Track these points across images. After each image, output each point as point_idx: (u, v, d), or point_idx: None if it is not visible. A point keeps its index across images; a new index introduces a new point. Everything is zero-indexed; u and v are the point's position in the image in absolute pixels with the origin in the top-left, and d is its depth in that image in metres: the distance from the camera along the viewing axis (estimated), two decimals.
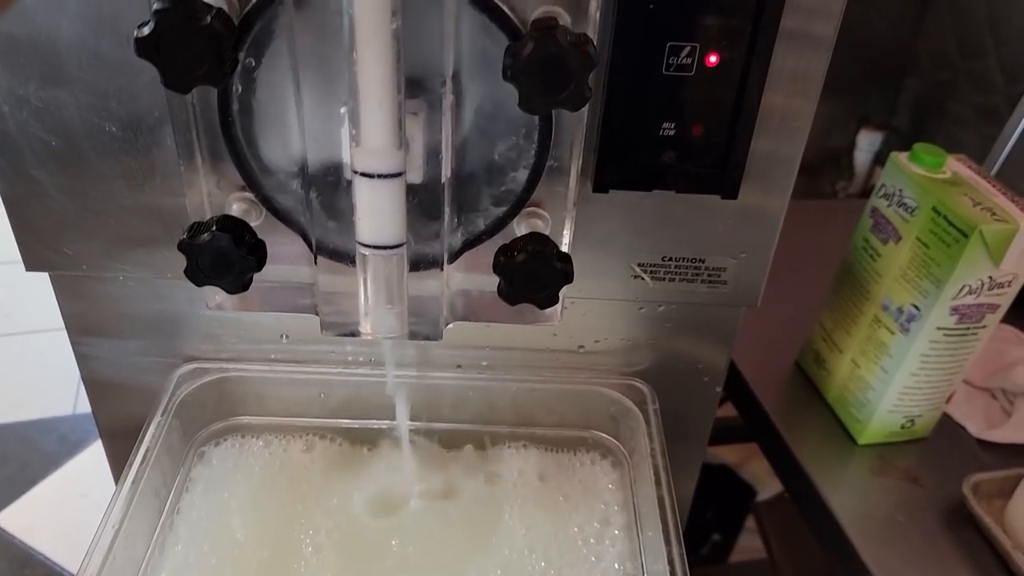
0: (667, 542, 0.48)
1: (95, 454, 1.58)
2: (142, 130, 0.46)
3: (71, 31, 0.43)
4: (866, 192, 1.40)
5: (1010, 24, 1.16)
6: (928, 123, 1.33)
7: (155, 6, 0.36)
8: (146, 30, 0.36)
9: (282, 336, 0.58)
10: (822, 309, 0.74)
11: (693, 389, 0.60)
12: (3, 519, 1.45)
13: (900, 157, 0.66)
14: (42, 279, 0.54)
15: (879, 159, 1.40)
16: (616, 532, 0.55)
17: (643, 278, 0.52)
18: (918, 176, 0.64)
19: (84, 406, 1.68)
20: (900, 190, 0.65)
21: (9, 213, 0.50)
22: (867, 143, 1.39)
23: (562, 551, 0.54)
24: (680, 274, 0.52)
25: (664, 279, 0.52)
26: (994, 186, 0.62)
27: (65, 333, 0.57)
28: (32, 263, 0.52)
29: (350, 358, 0.59)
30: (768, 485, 1.28)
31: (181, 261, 0.46)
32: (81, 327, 0.57)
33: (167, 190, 0.49)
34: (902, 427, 0.69)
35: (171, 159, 0.47)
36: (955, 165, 0.65)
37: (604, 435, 0.61)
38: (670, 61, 0.43)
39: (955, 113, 1.28)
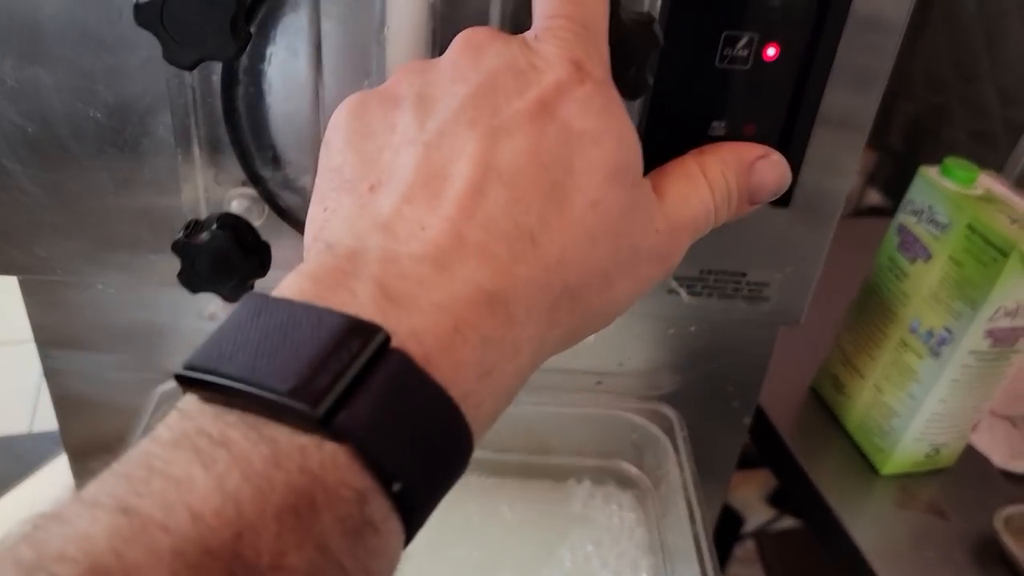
0: None
1: (53, 475, 1.50)
2: (130, 117, 0.41)
3: (55, 3, 0.38)
4: (859, 211, 1.39)
5: (1007, 47, 1.15)
6: (921, 145, 1.32)
7: None
8: None
9: None
10: (840, 332, 0.71)
11: (720, 418, 0.56)
12: None
13: (930, 171, 0.63)
14: None
15: (871, 180, 1.38)
16: (643, 574, 0.50)
17: (678, 292, 0.48)
18: (950, 192, 0.61)
19: (41, 424, 1.60)
20: (930, 206, 0.62)
21: None
22: (860, 163, 1.38)
23: None
24: (719, 289, 0.48)
25: (701, 294, 0.48)
26: None
27: (20, 347, 0.52)
28: None
29: None
30: (756, 512, 1.26)
31: (167, 266, 0.41)
32: (51, 339, 0.51)
33: (156, 187, 0.44)
34: (926, 456, 0.66)
35: (162, 151, 0.42)
36: (987, 181, 0.62)
37: (627, 464, 0.56)
38: (724, 53, 0.39)
39: (949, 137, 1.26)
